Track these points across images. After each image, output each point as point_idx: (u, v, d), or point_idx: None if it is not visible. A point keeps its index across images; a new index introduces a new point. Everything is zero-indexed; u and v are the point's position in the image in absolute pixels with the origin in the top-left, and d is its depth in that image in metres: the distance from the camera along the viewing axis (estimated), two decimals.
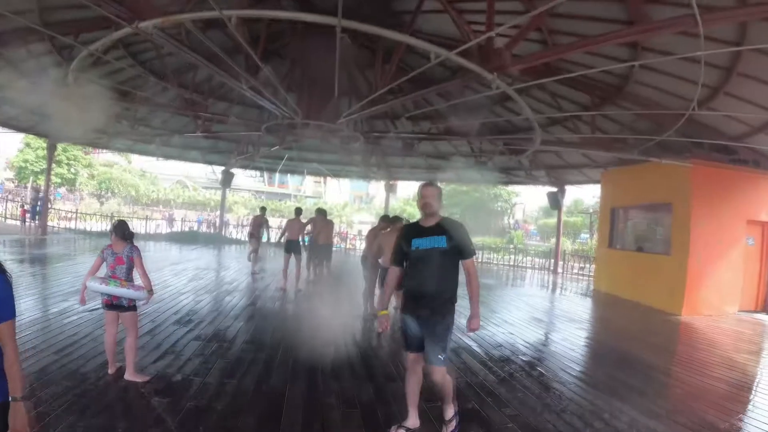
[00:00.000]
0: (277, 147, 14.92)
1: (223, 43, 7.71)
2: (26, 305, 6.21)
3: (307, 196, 55.21)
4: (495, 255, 21.94)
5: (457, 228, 3.39)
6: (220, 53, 6.50)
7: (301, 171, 22.56)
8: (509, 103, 11.22)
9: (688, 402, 4.64)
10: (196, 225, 31.37)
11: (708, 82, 7.28)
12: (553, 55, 6.05)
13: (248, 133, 13.72)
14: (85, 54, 7.82)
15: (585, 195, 41.01)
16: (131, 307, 4.08)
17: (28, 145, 33.05)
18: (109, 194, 40.32)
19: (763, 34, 5.99)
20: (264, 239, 12.62)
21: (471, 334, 3.41)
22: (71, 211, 22.64)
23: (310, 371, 4.67)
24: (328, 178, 23.94)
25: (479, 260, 18.65)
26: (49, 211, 19.45)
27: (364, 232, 26.03)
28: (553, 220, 37.49)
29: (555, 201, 17.04)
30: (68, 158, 35.54)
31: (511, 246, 25.78)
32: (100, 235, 18.65)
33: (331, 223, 10.08)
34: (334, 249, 10.74)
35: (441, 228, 3.38)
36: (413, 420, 3.52)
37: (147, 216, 25.73)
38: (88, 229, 20.57)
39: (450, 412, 3.52)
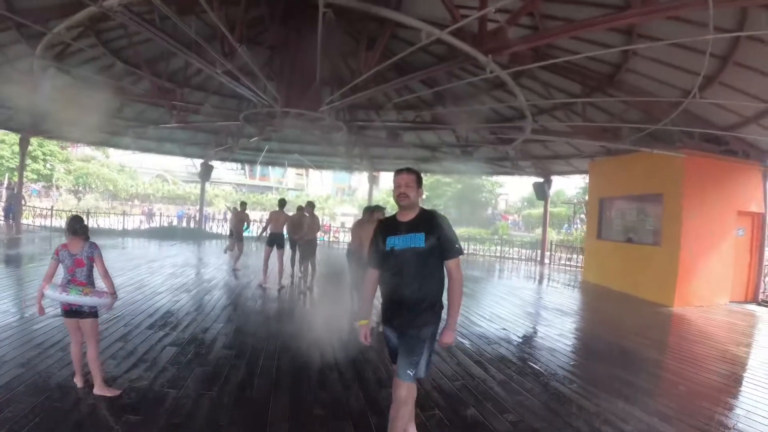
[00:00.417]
0: (257, 138, 14.47)
1: (198, 30, 7.26)
2: None
3: (289, 189, 54.59)
4: (480, 246, 21.78)
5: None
6: (193, 35, 6.09)
7: (282, 163, 22.06)
8: (497, 92, 10.97)
9: (696, 401, 4.44)
10: (176, 219, 30.73)
11: (703, 72, 7.08)
12: (554, 36, 5.71)
13: (226, 123, 13.20)
14: (49, 38, 7.29)
15: (567, 186, 41.39)
16: (92, 313, 3.68)
17: (2, 141, 31.82)
18: (87, 190, 39.27)
19: (763, 21, 5.79)
20: (247, 233, 12.18)
21: (446, 343, 2.93)
22: (47, 209, 21.82)
23: (295, 378, 4.34)
24: (310, 171, 23.51)
25: (465, 252, 18.44)
26: (24, 208, 18.71)
27: (348, 225, 25.89)
28: (537, 211, 37.96)
29: (541, 191, 16.86)
30: (44, 153, 34.46)
31: (496, 237, 25.67)
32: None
33: (317, 218, 9.74)
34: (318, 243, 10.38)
35: (420, 223, 2.89)
36: None
37: (124, 211, 24.91)
38: (64, 226, 19.78)
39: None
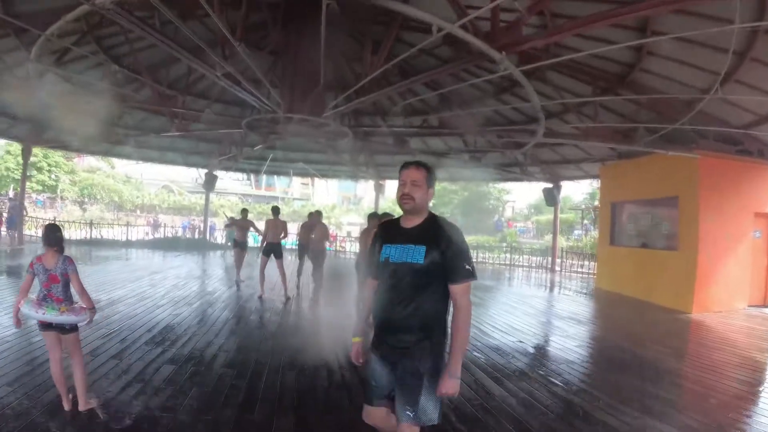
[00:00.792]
0: (261, 146, 14.25)
1: (199, 35, 7.07)
2: None
3: (294, 198, 54.42)
4: (489, 254, 21.42)
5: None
6: (193, 36, 5.88)
7: (287, 172, 21.86)
8: (504, 95, 10.72)
9: (728, 413, 4.13)
10: (181, 230, 30.56)
11: (720, 69, 6.80)
12: (569, 30, 5.48)
13: (228, 131, 12.96)
14: (43, 39, 7.12)
15: (574, 192, 40.97)
16: (73, 328, 3.42)
17: (8, 152, 31.85)
18: (92, 201, 39.24)
19: None
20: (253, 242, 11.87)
21: (446, 393, 2.24)
22: (49, 220, 21.69)
23: (301, 398, 4.05)
24: (316, 180, 23.31)
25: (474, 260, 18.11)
26: (26, 219, 18.56)
27: (354, 234, 25.61)
28: (545, 218, 37.50)
29: (551, 197, 16.52)
30: (49, 164, 34.45)
31: (504, 244, 25.30)
32: (80, 243, 17.85)
33: (325, 227, 9.52)
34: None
35: (423, 234, 2.31)
36: None
37: (128, 222, 24.77)
38: (68, 237, 19.65)
39: None
